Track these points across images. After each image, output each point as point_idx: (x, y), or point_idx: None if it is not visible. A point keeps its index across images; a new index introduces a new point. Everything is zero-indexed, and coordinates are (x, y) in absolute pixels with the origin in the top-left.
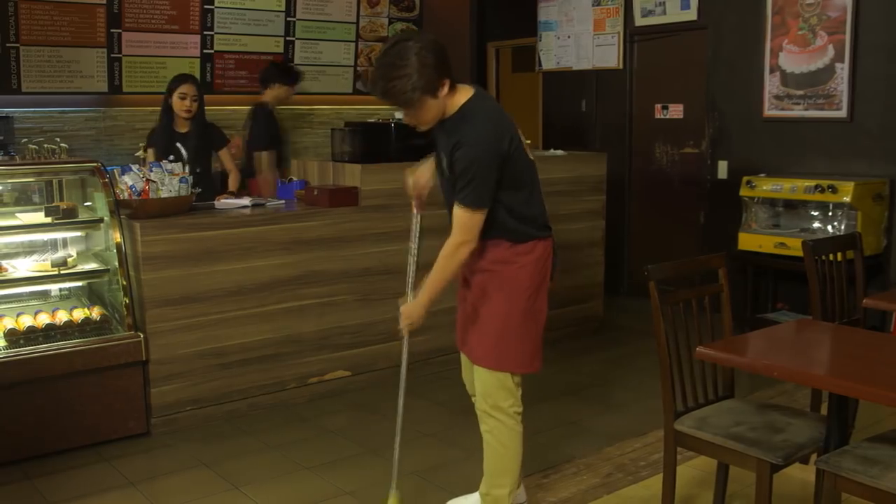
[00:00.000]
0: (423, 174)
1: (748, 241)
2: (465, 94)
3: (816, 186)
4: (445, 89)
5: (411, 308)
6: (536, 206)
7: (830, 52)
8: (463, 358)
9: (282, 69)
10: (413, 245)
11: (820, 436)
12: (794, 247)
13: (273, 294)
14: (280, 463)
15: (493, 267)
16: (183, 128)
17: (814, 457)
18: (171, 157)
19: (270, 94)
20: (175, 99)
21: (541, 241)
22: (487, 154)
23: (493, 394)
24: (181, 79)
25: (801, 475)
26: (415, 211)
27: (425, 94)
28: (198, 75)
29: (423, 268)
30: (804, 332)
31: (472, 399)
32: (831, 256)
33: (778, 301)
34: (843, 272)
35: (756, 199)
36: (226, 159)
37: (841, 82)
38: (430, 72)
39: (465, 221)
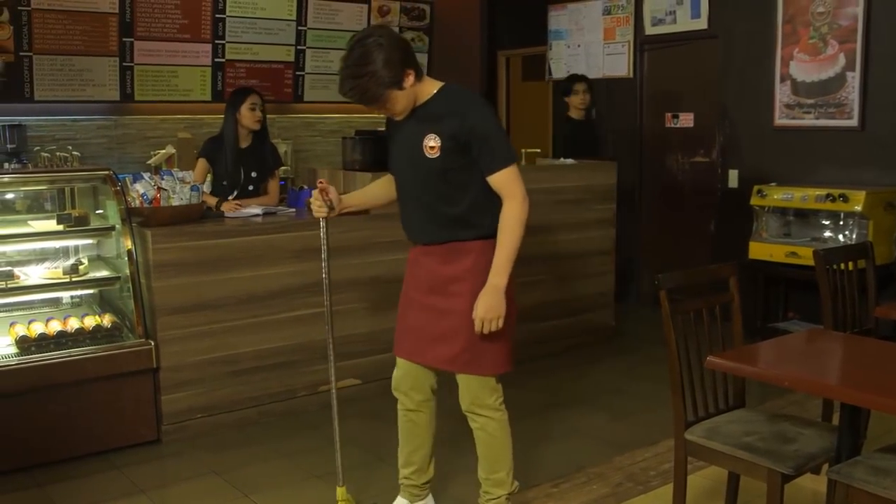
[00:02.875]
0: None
1: (759, 250)
2: (435, 82)
3: (827, 195)
4: (411, 79)
5: (491, 301)
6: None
7: (841, 60)
8: (405, 365)
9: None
10: (324, 249)
11: (831, 446)
12: (806, 256)
13: (283, 302)
14: (290, 471)
15: (470, 276)
16: (244, 143)
17: (825, 467)
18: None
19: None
20: (245, 112)
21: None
22: (495, 115)
23: (480, 395)
24: (245, 91)
25: (812, 485)
26: (323, 214)
27: (390, 87)
28: (209, 84)
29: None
30: (815, 341)
31: (405, 405)
32: (843, 266)
33: (789, 310)
34: (854, 281)
35: (767, 208)
36: (271, 181)
37: (852, 91)
38: (394, 66)
39: (515, 178)
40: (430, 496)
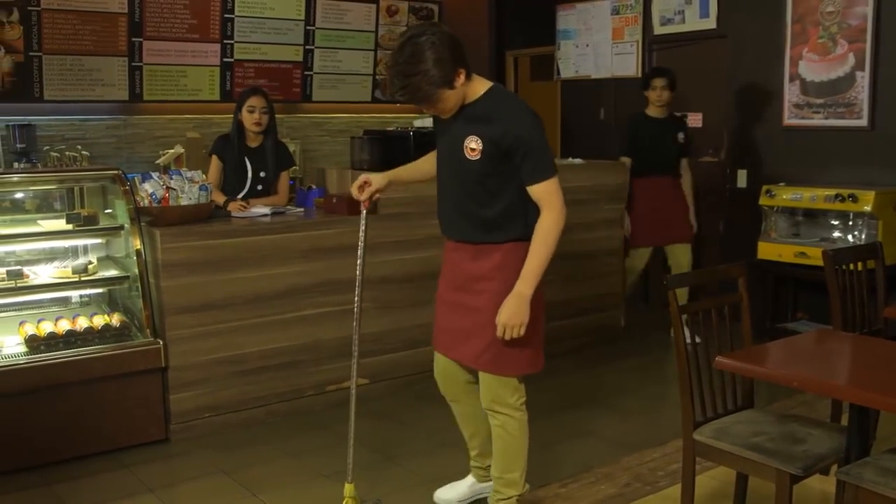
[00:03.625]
0: (375, 177)
1: (768, 251)
2: (485, 82)
3: (837, 195)
4: (462, 78)
5: (515, 308)
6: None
7: (851, 60)
8: (440, 359)
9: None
10: (361, 244)
11: (840, 447)
12: (815, 256)
13: (291, 302)
14: (298, 470)
15: (498, 274)
16: (253, 142)
17: (834, 468)
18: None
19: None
20: (244, 113)
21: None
22: (540, 127)
23: (501, 394)
24: (249, 92)
25: (821, 486)
26: (362, 210)
27: (442, 87)
28: (217, 84)
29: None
30: (824, 342)
31: (446, 396)
32: (852, 266)
33: (798, 311)
34: (863, 282)
35: (776, 209)
36: (282, 180)
37: (861, 91)
38: (445, 65)
39: (554, 190)
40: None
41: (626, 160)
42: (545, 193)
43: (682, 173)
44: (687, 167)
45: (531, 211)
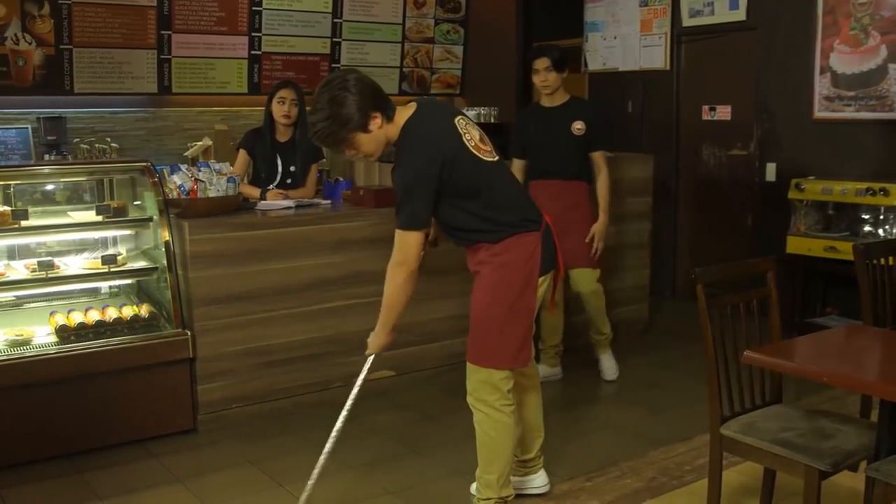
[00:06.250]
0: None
1: (797, 245)
2: (406, 114)
3: (867, 189)
4: (378, 121)
5: (372, 339)
6: (504, 207)
7: (883, 52)
8: None
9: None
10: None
11: (870, 443)
12: (845, 250)
13: (318, 294)
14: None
15: (477, 268)
16: (283, 137)
17: (863, 464)
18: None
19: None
20: (274, 104)
21: (521, 236)
22: (416, 178)
23: (478, 388)
24: (280, 84)
25: (850, 483)
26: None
27: (354, 131)
28: (245, 76)
29: None
30: (854, 337)
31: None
32: (882, 261)
33: (827, 306)
34: (894, 277)
35: (805, 202)
36: (310, 173)
37: (894, 83)
38: (359, 110)
39: (397, 239)
40: (536, 476)
41: (518, 162)
42: (396, 240)
43: (597, 172)
44: (602, 164)
45: (476, 222)
